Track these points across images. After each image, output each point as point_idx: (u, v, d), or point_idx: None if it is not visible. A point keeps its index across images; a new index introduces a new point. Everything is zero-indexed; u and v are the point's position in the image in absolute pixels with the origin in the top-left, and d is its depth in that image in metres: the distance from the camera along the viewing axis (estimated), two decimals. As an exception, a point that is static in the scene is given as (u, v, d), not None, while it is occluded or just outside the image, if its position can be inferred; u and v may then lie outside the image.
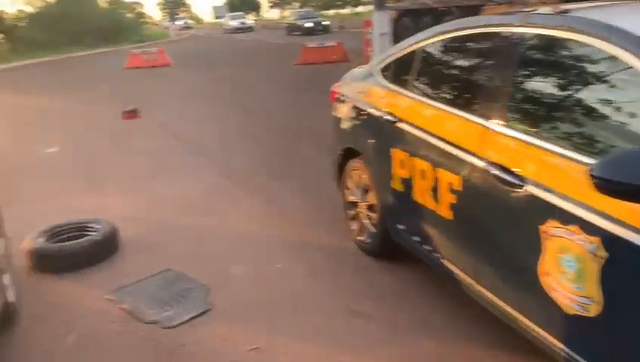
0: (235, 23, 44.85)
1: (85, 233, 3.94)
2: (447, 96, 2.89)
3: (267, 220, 4.42)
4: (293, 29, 32.88)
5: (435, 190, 2.67)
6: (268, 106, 10.03)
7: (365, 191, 3.55)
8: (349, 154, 3.71)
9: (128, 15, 40.79)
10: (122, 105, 9.57)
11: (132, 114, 9.12)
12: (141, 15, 45.58)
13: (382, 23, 12.31)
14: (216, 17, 67.67)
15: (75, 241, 3.79)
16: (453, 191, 2.53)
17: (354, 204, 3.74)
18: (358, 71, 4.03)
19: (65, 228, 4.00)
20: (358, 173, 3.60)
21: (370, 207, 3.49)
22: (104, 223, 4.00)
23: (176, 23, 54.92)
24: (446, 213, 2.60)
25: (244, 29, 43.26)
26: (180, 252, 3.90)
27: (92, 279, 3.55)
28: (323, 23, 32.83)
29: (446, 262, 2.73)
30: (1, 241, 3.15)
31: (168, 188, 5.39)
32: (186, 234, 4.22)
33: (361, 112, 3.52)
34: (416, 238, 2.97)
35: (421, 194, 2.81)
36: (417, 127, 2.87)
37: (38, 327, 3.05)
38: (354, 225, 3.75)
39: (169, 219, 4.56)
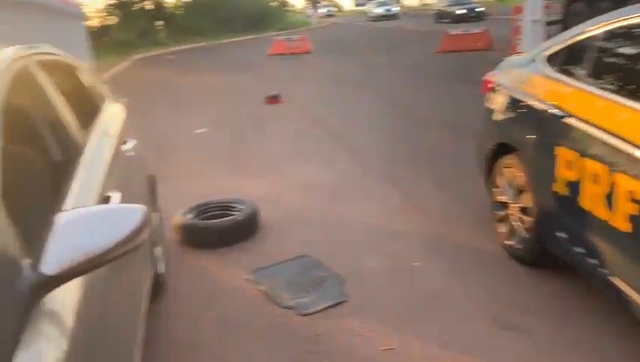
0: (380, 11, 43.27)
1: (229, 212, 4.07)
2: (631, 90, 2.50)
3: (404, 213, 4.26)
4: (442, 15, 30.59)
5: (609, 197, 2.33)
6: (407, 94, 9.80)
7: (519, 191, 3.24)
8: (502, 149, 3.41)
9: (273, 3, 42.37)
10: (265, 90, 9.91)
11: (274, 99, 9.41)
12: (285, 3, 47.12)
13: (535, 9, 11.42)
14: (357, 5, 68.00)
15: (220, 220, 3.94)
16: (634, 200, 2.17)
17: (504, 205, 3.44)
18: (516, 58, 3.69)
19: (211, 206, 4.18)
20: (512, 171, 3.30)
21: (524, 210, 3.18)
22: (247, 204, 4.11)
23: (319, 10, 55.87)
24: (623, 224, 2.25)
25: (389, 17, 41.35)
26: (315, 238, 3.89)
27: (233, 258, 3.66)
28: (477, 9, 29.20)
29: (616, 280, 2.37)
30: (155, 215, 3.34)
31: (307, 173, 5.44)
32: (322, 221, 4.21)
33: (520, 104, 3.21)
34: (580, 249, 2.63)
35: (591, 201, 2.47)
36: (591, 124, 2.52)
37: (182, 300, 3.19)
38: (502, 228, 3.46)
39: (306, 204, 4.59)
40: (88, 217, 1.33)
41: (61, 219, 1.29)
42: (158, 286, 3.12)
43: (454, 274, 3.29)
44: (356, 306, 2.99)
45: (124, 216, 1.35)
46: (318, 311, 2.95)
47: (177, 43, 26.65)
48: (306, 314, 2.93)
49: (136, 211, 1.36)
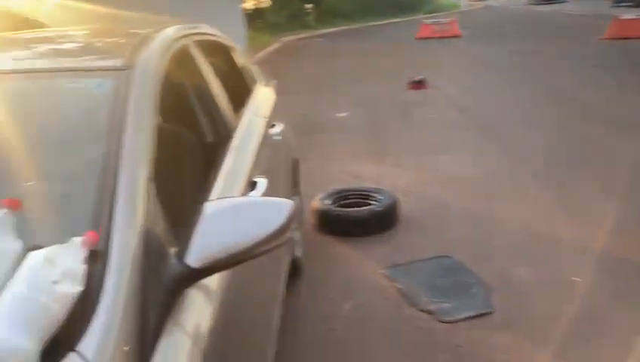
0: None
1: (368, 201, 3.94)
2: None
3: (564, 219, 3.81)
4: None
5: None
6: (565, 84, 8.93)
7: None
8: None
9: (422, -14, 41.22)
10: (410, 74, 9.62)
11: (419, 84, 9.09)
12: (433, -15, 45.61)
13: None
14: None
15: (358, 208, 3.83)
16: None
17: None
18: None
19: (350, 194, 4.08)
20: None
21: None
22: (386, 194, 3.95)
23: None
24: None
25: (554, 0, 37.15)
26: (459, 238, 3.63)
27: (370, 249, 3.53)
28: None
29: None
30: (296, 199, 3.30)
31: (451, 165, 5.13)
32: (467, 219, 3.92)
33: None
34: None
35: None
36: None
37: (317, 288, 3.14)
38: (688, 249, 2.93)
39: (449, 199, 4.32)
40: (235, 209, 1.26)
41: (208, 209, 1.23)
42: (294, 270, 3.09)
43: (621, 296, 2.85)
44: (504, 320, 2.71)
45: (272, 210, 1.26)
46: (460, 320, 2.71)
47: (325, 26, 27.07)
48: (446, 322, 2.71)
49: (284, 206, 1.27)
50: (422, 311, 2.82)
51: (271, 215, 1.25)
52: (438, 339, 2.60)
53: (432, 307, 2.83)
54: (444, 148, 5.76)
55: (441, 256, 3.36)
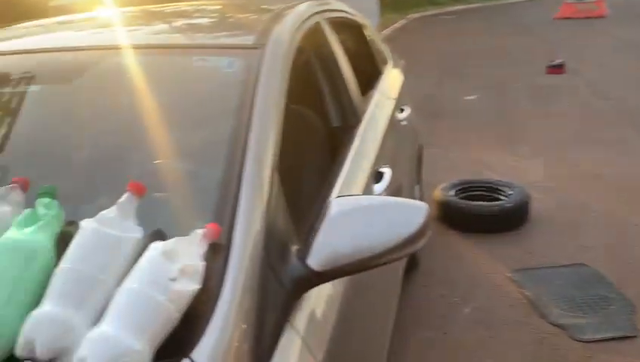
0: None
1: (495, 195, 3.65)
2: None
3: None
4: None
5: None
6: None
7: None
8: None
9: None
10: (547, 57, 8.86)
11: (558, 69, 8.33)
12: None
13: None
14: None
15: (484, 203, 3.55)
16: None
17: None
18: None
19: (475, 186, 3.80)
20: None
21: None
22: (517, 189, 3.62)
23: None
24: None
25: None
26: (598, 245, 3.24)
27: (495, 248, 3.27)
28: None
29: None
30: (416, 188, 3.12)
31: (591, 161, 4.61)
32: (608, 225, 3.49)
33: None
34: None
35: None
36: None
37: (435, 286, 2.95)
38: None
39: (589, 200, 3.87)
40: (365, 210, 1.12)
41: (335, 207, 1.11)
42: (411, 264, 2.93)
43: None
44: (651, 348, 2.36)
45: (405, 214, 1.12)
46: (597, 341, 2.41)
47: (455, 3, 25.92)
48: (580, 340, 2.42)
49: (419, 211, 1.13)
50: (552, 324, 2.54)
51: (404, 219, 1.11)
52: (570, 360, 2.32)
53: (564, 321, 2.54)
54: (584, 140, 5.21)
55: (577, 264, 3.02)
